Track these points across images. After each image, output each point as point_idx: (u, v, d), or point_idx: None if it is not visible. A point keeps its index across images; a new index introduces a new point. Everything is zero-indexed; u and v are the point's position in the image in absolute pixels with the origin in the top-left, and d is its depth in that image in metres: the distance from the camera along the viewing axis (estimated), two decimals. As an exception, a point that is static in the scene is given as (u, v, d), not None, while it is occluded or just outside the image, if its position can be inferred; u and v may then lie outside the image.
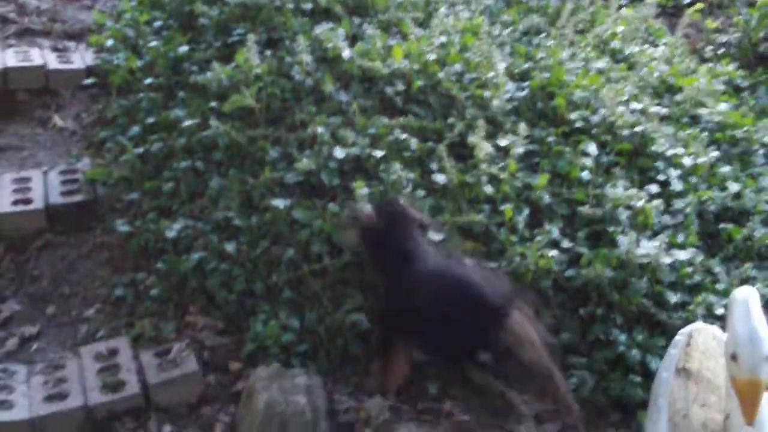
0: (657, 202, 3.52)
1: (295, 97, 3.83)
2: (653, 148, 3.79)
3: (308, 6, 4.34)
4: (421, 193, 3.40)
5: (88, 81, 4.60)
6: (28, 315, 3.52)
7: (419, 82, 3.82)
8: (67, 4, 5.42)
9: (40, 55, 4.73)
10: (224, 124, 3.67)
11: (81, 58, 4.76)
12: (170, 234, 3.49)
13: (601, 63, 4.28)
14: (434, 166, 3.51)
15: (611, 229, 3.39)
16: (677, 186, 3.70)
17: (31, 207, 3.85)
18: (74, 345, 3.35)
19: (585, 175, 3.58)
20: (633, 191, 3.50)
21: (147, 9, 4.75)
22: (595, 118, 3.83)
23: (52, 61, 4.69)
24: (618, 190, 3.52)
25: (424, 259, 3.02)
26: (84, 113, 4.49)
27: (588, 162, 3.62)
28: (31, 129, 4.44)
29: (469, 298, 2.88)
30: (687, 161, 3.81)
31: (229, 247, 3.37)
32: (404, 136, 3.56)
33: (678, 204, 3.62)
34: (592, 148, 3.68)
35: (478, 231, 3.34)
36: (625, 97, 3.95)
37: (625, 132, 3.80)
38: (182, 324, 3.38)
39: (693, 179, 3.78)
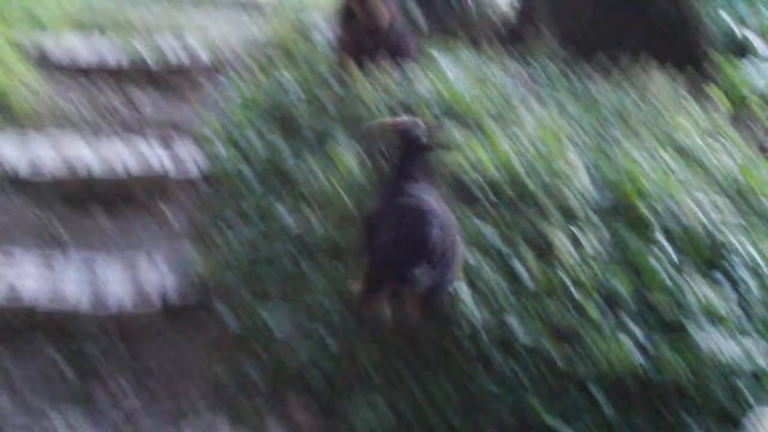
0: (728, 295, 3.64)
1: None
2: (722, 241, 3.89)
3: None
4: (504, 286, 3.58)
5: (197, 176, 4.88)
6: (136, 394, 3.76)
7: (497, 176, 4.01)
8: (176, 103, 5.76)
9: (153, 151, 5.04)
10: (326, 224, 3.93)
11: (190, 154, 5.06)
12: (273, 325, 3.72)
13: (670, 158, 4.41)
14: (517, 261, 3.67)
15: (685, 321, 3.51)
16: (748, 279, 3.78)
17: (146, 297, 4.11)
18: (178, 428, 3.58)
19: (659, 267, 3.69)
20: (705, 285, 3.63)
21: (250, 110, 5.04)
22: (665, 211, 3.96)
23: (164, 157, 4.98)
24: (691, 283, 3.63)
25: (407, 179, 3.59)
26: (196, 209, 4.73)
27: (661, 255, 3.74)
28: (144, 220, 4.69)
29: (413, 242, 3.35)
30: (756, 255, 3.89)
31: (329, 340, 3.58)
32: (488, 232, 3.77)
33: (749, 296, 3.71)
34: (664, 241, 3.81)
35: (558, 323, 3.52)
36: (694, 191, 4.07)
37: (695, 225, 3.91)
38: (281, 409, 3.57)
39: (763, 272, 3.85)
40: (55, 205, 4.72)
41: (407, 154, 3.72)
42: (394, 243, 3.37)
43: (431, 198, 3.56)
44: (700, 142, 4.67)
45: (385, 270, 3.38)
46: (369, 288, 3.47)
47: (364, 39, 4.84)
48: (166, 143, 5.23)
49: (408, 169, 3.67)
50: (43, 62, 6.07)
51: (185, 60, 6.24)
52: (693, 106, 5.05)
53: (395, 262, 3.34)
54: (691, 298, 3.62)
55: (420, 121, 3.81)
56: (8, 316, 4.02)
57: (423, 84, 4.76)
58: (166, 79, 6.12)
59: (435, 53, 5.32)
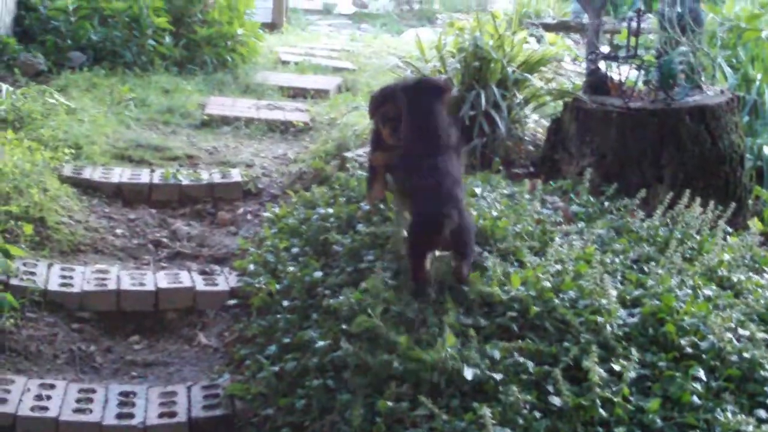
0: (766, 427, 3.55)
1: (420, 319, 4.05)
2: (762, 373, 3.83)
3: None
4: (537, 414, 3.52)
5: (231, 302, 4.98)
6: None
7: (535, 308, 4.01)
8: (214, 231, 5.95)
9: (189, 278, 5.17)
10: (354, 345, 3.90)
11: (225, 280, 5.20)
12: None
13: (709, 290, 4.38)
14: (550, 388, 3.62)
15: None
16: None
17: (175, 420, 4.13)
18: None
19: (695, 399, 3.64)
20: (742, 416, 3.55)
21: (286, 236, 5.10)
22: (704, 344, 3.91)
23: (200, 283, 5.12)
24: (728, 414, 3.56)
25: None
26: (226, 332, 4.84)
27: (698, 387, 3.68)
28: (178, 346, 4.80)
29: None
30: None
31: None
32: (522, 359, 3.74)
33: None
34: (702, 373, 3.75)
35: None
36: (733, 324, 4.03)
37: (734, 358, 3.86)
38: None
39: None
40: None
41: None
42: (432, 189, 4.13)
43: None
44: (741, 277, 4.63)
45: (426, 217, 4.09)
46: (415, 248, 4.11)
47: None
48: (204, 269, 5.32)
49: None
50: (87, 192, 6.29)
51: (225, 187, 6.52)
52: (735, 240, 5.04)
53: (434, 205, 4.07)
54: (719, 417, 3.56)
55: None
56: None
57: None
58: (204, 205, 6.34)
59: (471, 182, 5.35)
